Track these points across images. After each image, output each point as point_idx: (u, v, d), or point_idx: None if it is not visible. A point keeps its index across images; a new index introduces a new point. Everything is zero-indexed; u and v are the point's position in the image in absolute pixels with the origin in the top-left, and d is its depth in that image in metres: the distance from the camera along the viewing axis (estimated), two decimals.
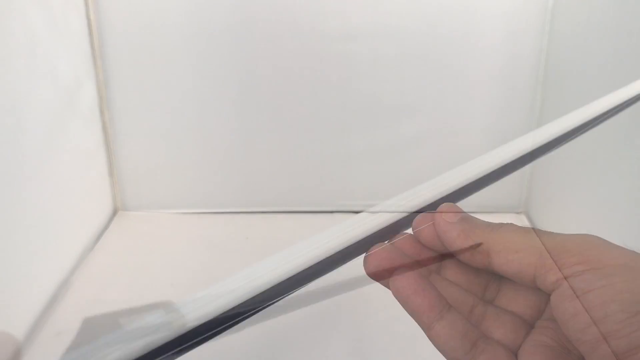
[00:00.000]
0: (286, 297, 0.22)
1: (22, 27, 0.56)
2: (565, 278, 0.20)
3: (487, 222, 0.24)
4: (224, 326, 0.21)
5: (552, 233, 0.22)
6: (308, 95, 0.78)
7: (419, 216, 0.25)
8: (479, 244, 0.23)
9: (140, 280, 0.67)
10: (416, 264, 0.25)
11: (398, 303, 0.24)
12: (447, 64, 0.77)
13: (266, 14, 0.74)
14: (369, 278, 0.25)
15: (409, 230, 0.26)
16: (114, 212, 0.82)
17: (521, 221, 0.82)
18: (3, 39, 0.53)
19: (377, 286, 0.25)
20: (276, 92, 0.78)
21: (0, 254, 0.52)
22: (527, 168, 0.82)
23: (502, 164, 0.28)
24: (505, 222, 0.24)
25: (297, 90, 0.78)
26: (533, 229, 0.23)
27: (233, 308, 0.21)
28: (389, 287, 0.25)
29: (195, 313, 0.20)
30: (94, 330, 0.21)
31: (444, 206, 0.25)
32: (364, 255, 0.25)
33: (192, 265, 0.69)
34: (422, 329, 0.24)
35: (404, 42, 0.75)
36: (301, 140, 0.81)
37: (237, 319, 0.21)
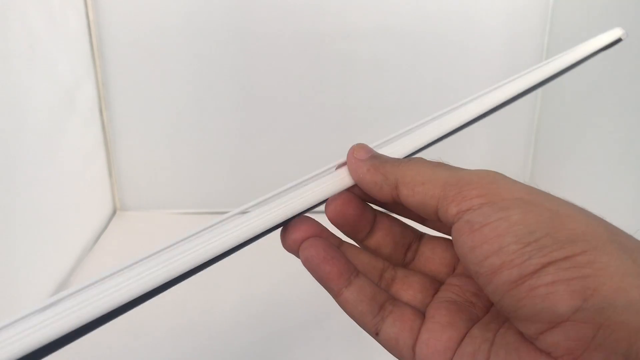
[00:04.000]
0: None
1: (21, 27, 0.56)
2: (465, 211, 0.20)
3: (397, 158, 0.25)
4: None
5: (459, 168, 0.23)
6: (308, 94, 0.78)
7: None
8: (388, 178, 0.24)
9: None
10: (332, 236, 0.26)
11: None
12: (447, 64, 0.77)
13: (266, 14, 0.73)
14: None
15: None
16: (113, 212, 0.82)
17: None
18: (3, 39, 0.53)
19: None
20: (276, 91, 0.78)
21: None
22: (530, 160, 0.82)
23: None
24: (414, 157, 0.25)
25: (297, 89, 0.78)
26: (441, 162, 0.23)
27: None
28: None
29: None
30: None
31: (355, 146, 0.26)
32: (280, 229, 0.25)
33: None
34: (332, 296, 0.25)
35: (404, 42, 0.75)
36: (301, 140, 0.81)
37: None
